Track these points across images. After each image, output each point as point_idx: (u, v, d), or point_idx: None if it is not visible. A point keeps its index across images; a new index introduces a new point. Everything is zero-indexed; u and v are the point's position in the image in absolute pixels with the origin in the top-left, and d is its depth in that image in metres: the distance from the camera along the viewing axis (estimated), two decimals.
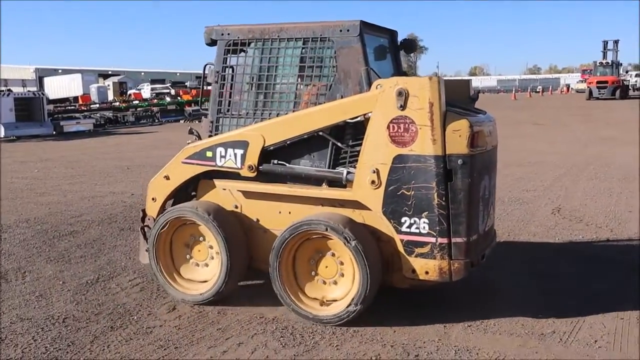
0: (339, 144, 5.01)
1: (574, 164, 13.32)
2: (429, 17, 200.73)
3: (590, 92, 43.65)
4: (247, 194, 5.32)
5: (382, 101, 4.65)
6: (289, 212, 5.17)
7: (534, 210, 8.90)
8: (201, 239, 5.41)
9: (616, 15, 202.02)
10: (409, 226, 4.66)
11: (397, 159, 4.62)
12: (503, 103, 43.37)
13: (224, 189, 5.43)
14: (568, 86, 62.81)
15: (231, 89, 5.48)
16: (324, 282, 4.98)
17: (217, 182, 5.44)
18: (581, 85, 53.45)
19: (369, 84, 4.84)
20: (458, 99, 5.02)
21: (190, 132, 5.73)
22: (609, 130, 20.49)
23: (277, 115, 5.25)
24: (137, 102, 38.08)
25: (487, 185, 4.91)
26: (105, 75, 58.13)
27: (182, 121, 33.80)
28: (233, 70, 5.47)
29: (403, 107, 4.56)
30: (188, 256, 5.52)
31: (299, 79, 5.25)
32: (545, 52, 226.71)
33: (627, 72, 56.47)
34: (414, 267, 4.69)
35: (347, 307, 4.75)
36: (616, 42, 47.51)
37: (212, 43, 5.50)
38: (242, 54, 5.44)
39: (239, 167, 5.23)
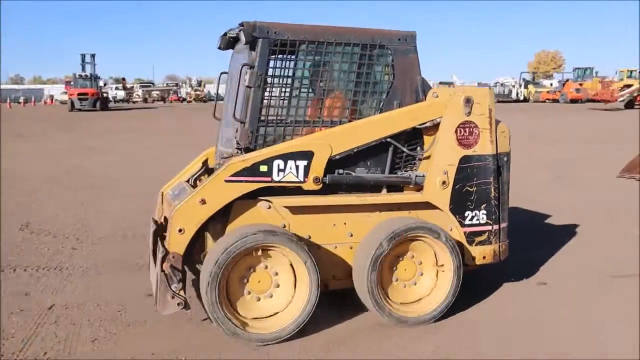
0: (406, 150, 5.16)
1: (52, 175, 13.17)
2: None
3: (72, 104, 44.08)
4: (296, 210, 4.86)
5: (451, 108, 5.10)
6: (344, 223, 4.99)
7: None
8: (260, 267, 4.67)
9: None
10: (471, 219, 5.23)
11: (463, 160, 5.14)
12: None
13: (269, 207, 4.80)
14: (52, 97, 61.56)
15: (280, 94, 5.00)
16: (404, 286, 5.06)
17: (260, 201, 4.79)
18: (65, 96, 53.41)
19: (424, 92, 5.18)
20: None
21: (238, 146, 4.80)
22: (90, 140, 21.01)
23: (331, 122, 5.00)
24: None
25: None
26: None
27: None
28: (284, 74, 4.91)
29: (469, 113, 5.12)
30: (246, 291, 4.65)
31: (355, 85, 5.08)
32: (29, 62, 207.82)
33: (105, 84, 59.07)
34: (474, 255, 5.27)
35: (443, 302, 4.99)
36: (93, 55, 49.19)
37: (253, 41, 4.77)
38: (291, 55, 4.93)
39: (302, 180, 4.79)
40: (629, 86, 42.65)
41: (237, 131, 4.85)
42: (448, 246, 4.93)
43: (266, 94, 4.85)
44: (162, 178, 6.58)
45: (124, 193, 11.00)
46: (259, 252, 4.59)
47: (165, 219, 5.43)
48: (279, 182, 4.74)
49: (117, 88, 60.55)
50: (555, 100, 49.97)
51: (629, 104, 40.80)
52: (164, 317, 4.76)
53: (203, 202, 4.58)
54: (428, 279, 5.08)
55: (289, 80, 4.97)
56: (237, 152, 4.86)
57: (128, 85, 62.30)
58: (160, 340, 4.69)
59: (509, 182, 5.48)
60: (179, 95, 61.78)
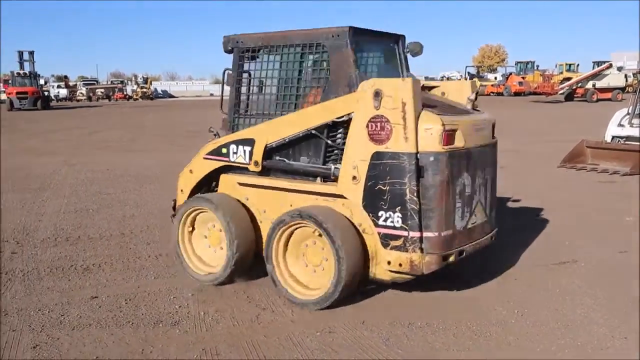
0: (329, 142, 5.27)
1: None
2: None
3: (12, 103, 42.66)
4: (255, 187, 5.69)
5: (362, 101, 4.86)
6: (291, 205, 5.40)
7: None
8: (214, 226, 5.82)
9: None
10: (385, 220, 4.87)
11: (375, 156, 4.83)
12: None
13: (239, 183, 5.80)
14: None
15: (246, 91, 5.94)
16: (315, 271, 5.28)
17: (233, 176, 5.88)
18: (3, 95, 51.68)
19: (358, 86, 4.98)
20: (454, 100, 5.63)
21: (210, 130, 6.20)
22: (32, 141, 20.46)
23: (282, 115, 5.53)
24: None
25: (469, 183, 5.05)
26: None
27: None
28: (249, 75, 5.89)
29: (379, 107, 4.80)
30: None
31: (299, 82, 5.58)
32: None
33: (46, 82, 57.34)
34: (388, 259, 4.90)
35: (327, 290, 4.99)
36: (31, 53, 47.65)
37: (230, 51, 5.90)
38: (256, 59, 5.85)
39: (247, 162, 5.67)
40: (568, 79, 43.69)
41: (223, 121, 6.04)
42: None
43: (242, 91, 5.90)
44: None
45: (66, 194, 10.47)
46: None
47: None
48: (234, 162, 5.78)
49: (59, 86, 58.97)
50: (500, 94, 50.84)
51: (569, 97, 41.80)
52: (109, 320, 4.90)
53: (191, 171, 6.15)
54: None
55: (250, 80, 5.92)
56: (214, 136, 6.05)
57: (71, 83, 60.60)
58: (105, 343, 4.53)
59: (444, 187, 4.79)
60: (125, 93, 60.61)
